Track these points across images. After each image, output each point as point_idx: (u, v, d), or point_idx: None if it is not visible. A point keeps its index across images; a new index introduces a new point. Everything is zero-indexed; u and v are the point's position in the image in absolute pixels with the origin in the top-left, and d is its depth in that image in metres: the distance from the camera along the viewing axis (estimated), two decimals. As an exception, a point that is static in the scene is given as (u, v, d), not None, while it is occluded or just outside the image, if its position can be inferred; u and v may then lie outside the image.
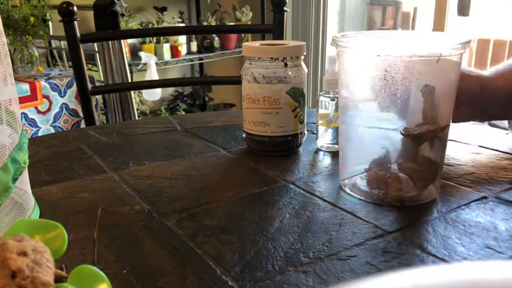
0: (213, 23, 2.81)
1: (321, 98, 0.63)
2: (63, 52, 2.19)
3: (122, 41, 1.82)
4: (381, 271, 0.36)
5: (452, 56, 0.44)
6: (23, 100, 1.65)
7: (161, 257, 0.38)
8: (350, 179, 0.51)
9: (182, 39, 2.66)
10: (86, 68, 1.06)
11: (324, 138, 0.64)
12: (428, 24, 2.34)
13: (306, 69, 0.62)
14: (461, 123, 0.66)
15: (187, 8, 2.99)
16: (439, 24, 2.21)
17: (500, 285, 0.15)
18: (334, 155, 0.62)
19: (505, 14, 2.63)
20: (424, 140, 0.46)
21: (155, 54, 2.52)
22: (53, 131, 1.74)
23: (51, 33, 2.03)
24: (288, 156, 0.62)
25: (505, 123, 1.17)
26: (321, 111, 0.63)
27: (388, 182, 0.47)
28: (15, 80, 0.47)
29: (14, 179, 0.39)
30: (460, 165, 0.58)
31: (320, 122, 0.64)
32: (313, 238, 0.41)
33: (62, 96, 1.78)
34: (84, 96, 1.07)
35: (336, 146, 0.62)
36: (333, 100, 0.61)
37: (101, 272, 0.28)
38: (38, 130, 1.72)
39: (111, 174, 0.57)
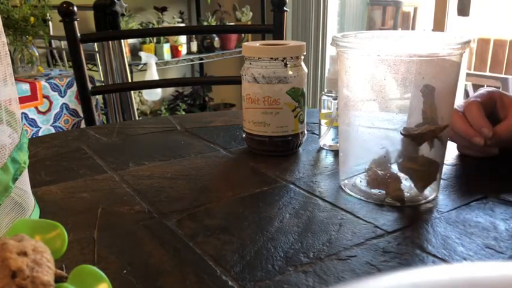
0: (213, 23, 2.81)
1: (323, 97, 0.63)
2: (63, 52, 2.19)
3: (122, 41, 1.82)
4: (381, 271, 0.36)
5: (452, 56, 0.44)
6: (23, 100, 1.65)
7: (161, 257, 0.38)
8: (350, 179, 0.51)
9: (182, 39, 2.66)
10: (86, 68, 1.06)
11: (327, 137, 0.64)
12: (428, 24, 2.34)
13: (306, 69, 0.62)
14: None
15: (187, 8, 2.99)
16: (439, 24, 2.21)
17: (500, 285, 0.15)
18: (334, 154, 0.62)
19: (505, 14, 2.63)
20: (424, 140, 0.46)
21: (155, 54, 2.52)
22: (53, 131, 1.74)
23: (51, 33, 2.03)
24: (288, 156, 0.62)
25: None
26: (323, 110, 0.63)
27: (388, 182, 0.47)
28: (15, 80, 0.47)
29: (14, 179, 0.39)
30: (459, 165, 0.58)
31: (322, 121, 0.64)
32: (313, 238, 0.41)
33: (62, 96, 1.78)
34: (84, 96, 1.07)
35: (338, 144, 0.62)
36: (335, 99, 0.61)
37: (101, 272, 0.28)
38: (38, 130, 1.72)
39: (111, 174, 0.57)
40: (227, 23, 2.87)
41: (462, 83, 2.49)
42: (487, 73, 2.85)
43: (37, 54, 1.89)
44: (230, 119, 0.81)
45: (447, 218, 0.44)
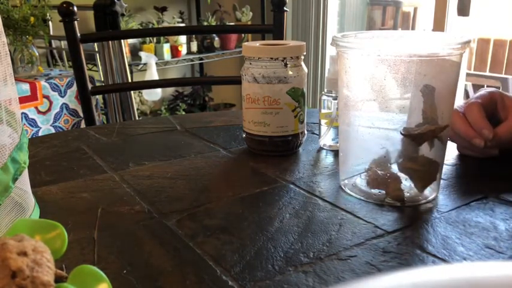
0: (213, 23, 2.81)
1: (323, 97, 0.63)
2: (63, 52, 2.19)
3: (122, 41, 1.82)
4: (381, 271, 0.36)
5: (452, 56, 0.44)
6: (23, 100, 1.65)
7: (161, 257, 0.38)
8: (350, 179, 0.51)
9: (182, 39, 2.66)
10: (86, 68, 1.06)
11: (327, 137, 0.64)
12: (428, 24, 2.34)
13: (306, 69, 0.62)
14: None
15: (187, 8, 2.99)
16: (439, 24, 2.21)
17: (500, 285, 0.15)
18: (334, 154, 0.62)
19: (505, 14, 2.63)
20: (424, 140, 0.46)
21: (155, 54, 2.52)
22: (53, 131, 1.74)
23: (51, 33, 2.03)
24: (288, 156, 0.62)
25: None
26: (323, 110, 0.63)
27: (388, 182, 0.47)
28: (15, 80, 0.47)
29: (14, 179, 0.39)
30: (459, 165, 0.58)
31: (322, 121, 0.64)
32: (313, 238, 0.41)
33: (62, 96, 1.78)
34: (84, 96, 1.07)
35: (338, 144, 0.62)
36: (335, 99, 0.61)
37: (101, 272, 0.28)
38: (38, 130, 1.72)
39: (111, 174, 0.57)
40: (227, 23, 2.87)
41: (462, 83, 2.49)
42: (487, 73, 2.85)
43: (37, 54, 1.89)
44: (230, 119, 0.81)
45: (447, 218, 0.44)
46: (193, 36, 2.76)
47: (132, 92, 1.87)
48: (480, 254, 0.38)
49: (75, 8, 1.01)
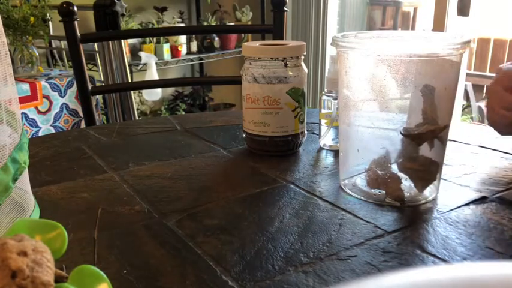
0: (213, 23, 2.81)
1: (324, 97, 0.63)
2: (63, 52, 2.19)
3: (122, 41, 1.82)
4: (380, 271, 0.36)
5: (452, 56, 0.44)
6: (23, 100, 1.65)
7: (161, 257, 0.38)
8: (350, 179, 0.51)
9: (182, 39, 2.66)
10: (86, 68, 1.06)
11: (327, 137, 0.64)
12: (428, 24, 2.34)
13: (306, 69, 0.62)
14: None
15: (187, 8, 2.99)
16: (439, 24, 2.21)
17: (500, 285, 0.15)
18: (334, 154, 0.62)
19: (505, 14, 2.63)
20: (424, 140, 0.46)
21: (155, 54, 2.52)
22: (53, 131, 1.74)
23: (51, 33, 2.03)
24: (288, 156, 0.62)
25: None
26: (323, 110, 0.63)
27: (388, 182, 0.47)
28: (15, 80, 0.47)
29: (14, 179, 0.39)
30: (460, 165, 0.58)
31: (322, 121, 0.64)
32: (313, 238, 0.41)
33: (62, 96, 1.78)
34: (84, 96, 1.07)
35: (338, 144, 0.62)
36: (335, 99, 0.61)
37: (101, 272, 0.28)
38: (38, 130, 1.72)
39: (111, 174, 0.57)
40: (227, 23, 2.87)
41: (462, 83, 2.49)
42: (487, 73, 2.85)
43: (37, 54, 1.88)
44: (230, 119, 0.81)
45: (447, 218, 0.44)
46: (193, 36, 2.76)
47: (132, 92, 1.87)
48: (480, 254, 0.38)
49: (75, 8, 1.01)
